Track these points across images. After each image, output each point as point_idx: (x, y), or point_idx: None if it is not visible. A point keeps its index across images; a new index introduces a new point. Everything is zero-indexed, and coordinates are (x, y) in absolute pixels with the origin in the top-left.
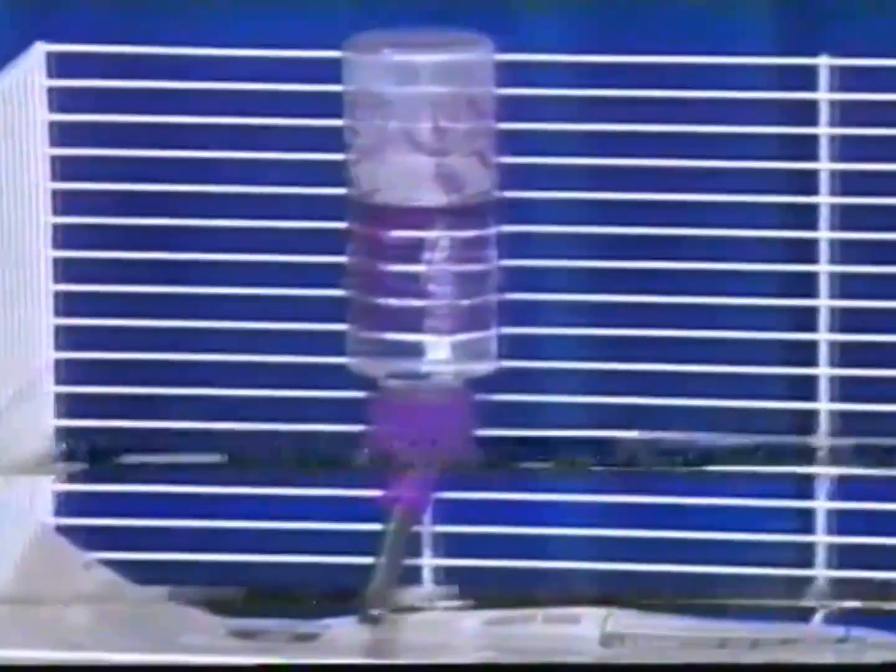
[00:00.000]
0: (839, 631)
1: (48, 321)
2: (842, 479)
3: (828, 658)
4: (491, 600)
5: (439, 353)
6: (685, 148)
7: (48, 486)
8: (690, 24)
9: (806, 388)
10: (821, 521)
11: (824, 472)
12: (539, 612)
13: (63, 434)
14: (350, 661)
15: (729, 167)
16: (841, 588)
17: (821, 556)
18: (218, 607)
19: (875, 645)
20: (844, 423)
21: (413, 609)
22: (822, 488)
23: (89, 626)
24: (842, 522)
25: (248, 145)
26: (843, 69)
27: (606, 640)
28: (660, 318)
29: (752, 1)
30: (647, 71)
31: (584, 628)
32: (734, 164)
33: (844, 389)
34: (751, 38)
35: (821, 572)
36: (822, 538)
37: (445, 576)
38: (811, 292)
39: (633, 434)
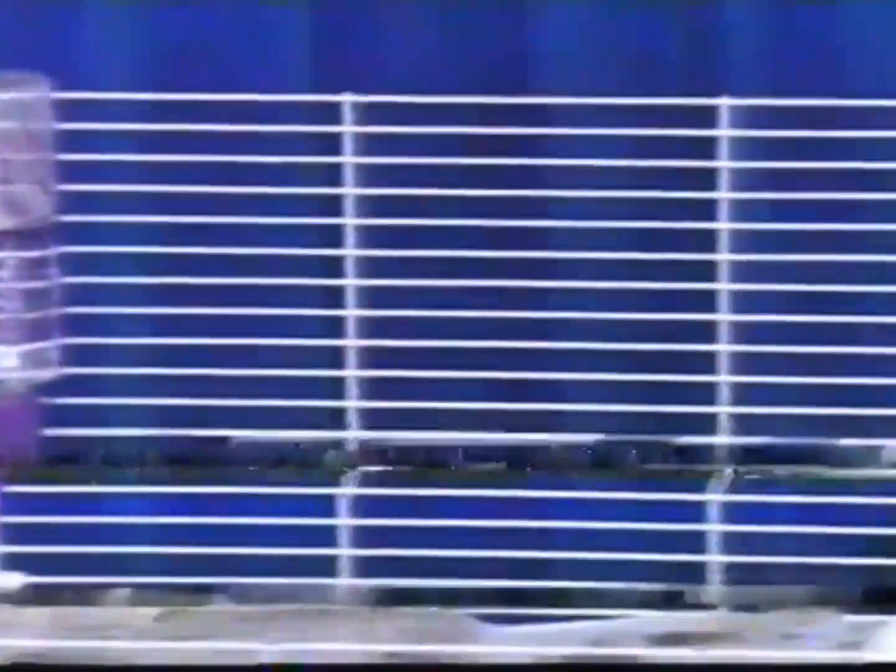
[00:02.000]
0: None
1: None
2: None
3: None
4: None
5: (7, 362)
6: (238, 176)
7: None
8: (236, 66)
9: (336, 389)
10: (343, 514)
11: (353, 469)
12: (110, 593)
13: None
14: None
15: (277, 193)
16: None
17: (343, 550)
18: None
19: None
20: (370, 420)
21: None
22: (348, 481)
23: None
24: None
25: None
26: (368, 105)
27: (161, 617)
28: (215, 328)
29: (290, 45)
30: (202, 107)
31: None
32: (280, 190)
33: (371, 391)
34: (288, 78)
35: (343, 551)
36: (344, 521)
37: (13, 563)
38: (341, 304)
39: (190, 432)
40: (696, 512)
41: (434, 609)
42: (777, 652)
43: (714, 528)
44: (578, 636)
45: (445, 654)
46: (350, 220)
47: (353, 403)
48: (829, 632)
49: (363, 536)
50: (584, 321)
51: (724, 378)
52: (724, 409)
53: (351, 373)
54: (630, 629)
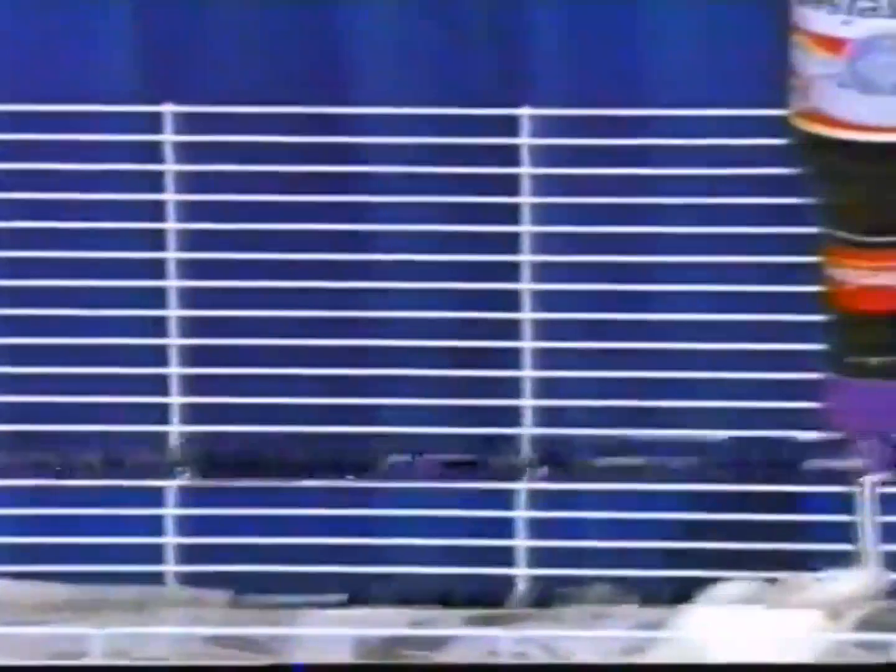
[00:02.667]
0: None
1: None
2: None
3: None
4: None
5: None
6: (66, 182)
7: None
8: (64, 77)
9: (160, 386)
10: (170, 526)
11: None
12: None
13: None
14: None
15: (104, 199)
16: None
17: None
18: None
19: None
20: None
21: None
22: (170, 494)
23: None
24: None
25: None
26: (189, 115)
27: None
28: (45, 328)
29: (113, 57)
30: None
31: None
32: (107, 197)
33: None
34: (115, 87)
35: (170, 540)
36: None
37: None
38: (163, 304)
39: None
40: (504, 502)
41: (260, 594)
42: (586, 631)
43: (521, 514)
44: (399, 618)
45: (270, 636)
46: (172, 225)
47: (177, 400)
48: (631, 613)
49: (193, 526)
50: (401, 319)
51: (528, 373)
52: (529, 403)
53: (174, 370)
54: (448, 612)
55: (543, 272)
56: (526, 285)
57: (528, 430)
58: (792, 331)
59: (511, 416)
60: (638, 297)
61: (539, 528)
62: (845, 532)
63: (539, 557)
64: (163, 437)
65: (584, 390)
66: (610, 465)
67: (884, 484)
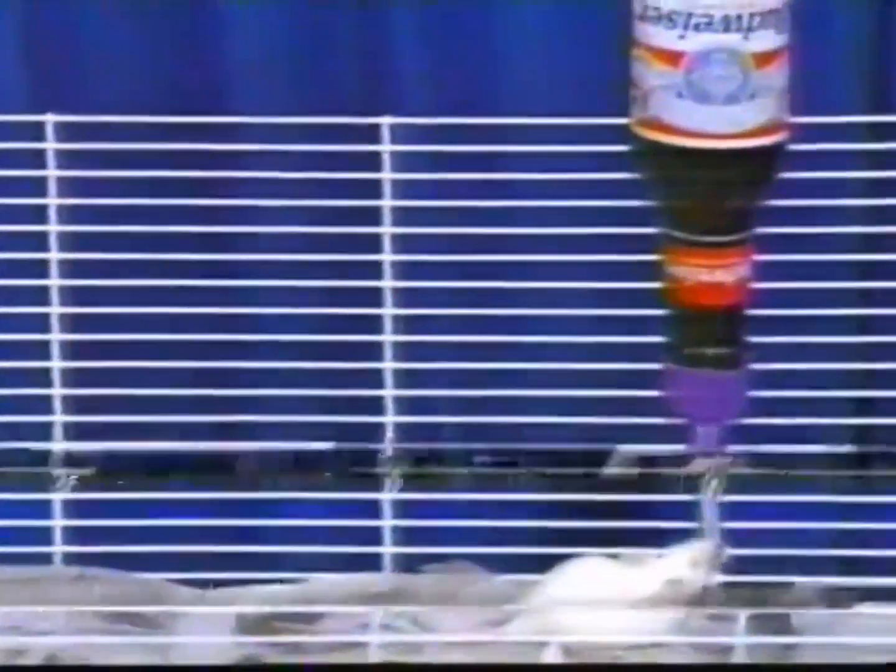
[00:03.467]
0: None
1: None
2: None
3: None
4: None
5: None
6: None
7: None
8: None
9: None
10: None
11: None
12: None
13: None
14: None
15: None
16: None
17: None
18: None
19: None
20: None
21: None
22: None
23: None
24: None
25: None
26: (71, 124)
27: None
28: None
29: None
30: None
31: None
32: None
33: None
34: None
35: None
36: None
37: None
38: (47, 302)
39: None
40: (371, 487)
41: (144, 574)
42: (451, 606)
43: (387, 496)
44: (281, 597)
45: (156, 612)
46: (54, 228)
47: (58, 391)
48: (491, 587)
49: (81, 509)
50: (274, 316)
51: (390, 365)
52: (391, 393)
53: (56, 364)
54: (327, 591)
55: (404, 271)
56: (388, 283)
57: (391, 418)
58: (636, 324)
59: (375, 406)
60: (494, 293)
61: (404, 510)
62: (689, 511)
63: (405, 538)
64: (48, 427)
65: (445, 381)
66: (469, 450)
67: (721, 465)
